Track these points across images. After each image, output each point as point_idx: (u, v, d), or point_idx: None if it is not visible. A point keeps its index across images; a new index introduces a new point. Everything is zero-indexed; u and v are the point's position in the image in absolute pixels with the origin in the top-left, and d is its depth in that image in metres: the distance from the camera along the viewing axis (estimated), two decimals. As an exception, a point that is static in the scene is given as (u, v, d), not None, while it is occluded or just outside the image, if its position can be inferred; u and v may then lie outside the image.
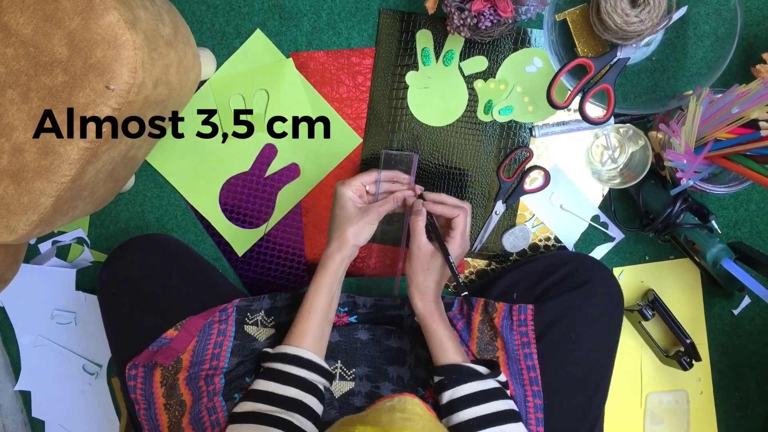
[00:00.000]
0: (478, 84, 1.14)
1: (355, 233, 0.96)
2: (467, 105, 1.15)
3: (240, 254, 1.22)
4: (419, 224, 0.96)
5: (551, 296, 0.99)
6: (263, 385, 0.89)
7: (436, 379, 0.91)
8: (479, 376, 0.89)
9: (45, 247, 1.25)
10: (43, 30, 0.81)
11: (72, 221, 0.98)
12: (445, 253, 0.95)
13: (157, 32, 0.89)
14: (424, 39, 1.14)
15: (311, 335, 0.93)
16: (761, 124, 0.90)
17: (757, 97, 0.90)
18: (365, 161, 1.18)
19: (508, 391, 0.91)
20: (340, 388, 0.99)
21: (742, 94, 0.91)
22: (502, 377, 0.91)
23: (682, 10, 1.03)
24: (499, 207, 1.15)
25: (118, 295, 1.01)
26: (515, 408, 0.89)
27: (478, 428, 0.85)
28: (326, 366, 0.93)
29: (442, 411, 0.89)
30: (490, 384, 0.89)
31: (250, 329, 1.02)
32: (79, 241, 1.24)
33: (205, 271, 1.11)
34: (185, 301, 1.02)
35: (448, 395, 0.88)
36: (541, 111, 1.14)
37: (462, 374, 0.89)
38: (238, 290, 1.15)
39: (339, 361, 1.01)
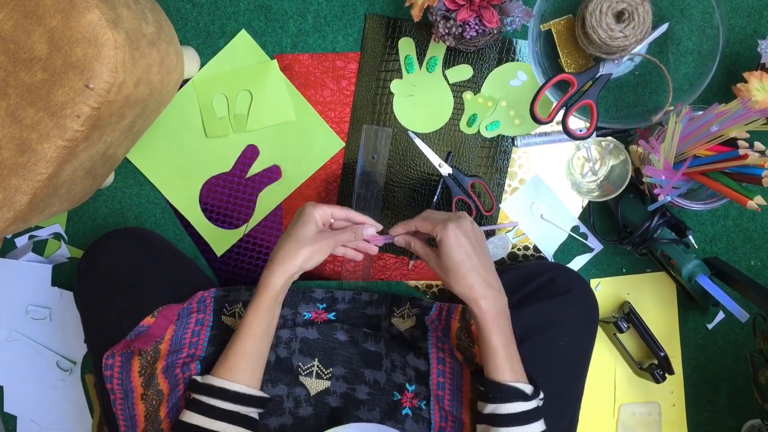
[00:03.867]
0: (467, 95, 1.14)
1: (307, 256, 0.88)
2: (453, 112, 1.15)
3: (219, 254, 1.21)
4: (417, 248, 0.93)
5: (528, 304, 1.00)
6: (190, 417, 0.86)
7: (481, 387, 0.88)
8: (524, 397, 0.86)
9: (21, 241, 1.24)
10: (23, 26, 0.80)
11: (48, 218, 0.97)
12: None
13: (139, 31, 0.88)
14: (406, 47, 1.14)
15: (245, 361, 0.89)
16: (739, 143, 0.91)
17: (736, 117, 0.91)
18: (347, 164, 1.18)
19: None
20: (315, 386, 0.99)
21: (722, 113, 0.92)
22: (542, 395, 0.90)
23: (663, 27, 1.04)
24: None
25: (97, 285, 1.00)
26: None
27: None
28: (258, 394, 0.89)
29: (481, 418, 0.87)
30: (532, 405, 0.86)
31: (227, 320, 1.01)
32: (56, 236, 1.23)
33: (184, 264, 1.11)
34: (163, 292, 1.02)
35: (491, 408, 0.86)
36: (528, 123, 1.14)
37: (508, 393, 0.85)
38: (215, 283, 1.15)
39: (316, 359, 1.00)
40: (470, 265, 0.87)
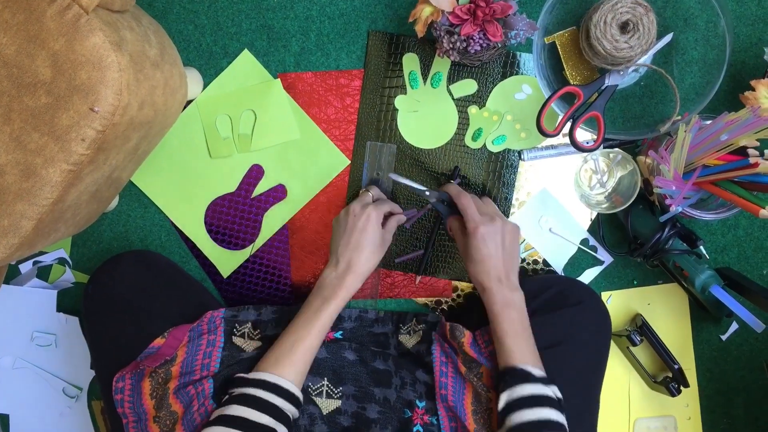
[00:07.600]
0: (472, 110, 1.14)
1: (376, 262, 1.01)
2: (458, 127, 1.15)
3: (225, 276, 1.20)
4: (453, 227, 1.05)
5: (538, 318, 0.99)
6: (236, 410, 0.86)
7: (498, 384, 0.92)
8: (532, 379, 0.88)
9: (25, 267, 1.23)
10: (26, 51, 0.79)
11: (54, 243, 0.96)
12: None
13: (143, 53, 0.88)
14: (410, 63, 1.14)
15: (299, 359, 0.92)
16: (750, 151, 0.91)
17: (745, 125, 0.90)
18: (353, 182, 1.17)
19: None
20: (327, 405, 0.99)
21: (731, 122, 0.91)
22: (558, 392, 0.90)
23: (668, 37, 1.03)
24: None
25: (104, 309, 1.00)
26: (564, 423, 0.88)
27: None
28: (301, 397, 0.92)
29: (501, 415, 0.88)
30: (545, 391, 0.88)
31: (237, 340, 1.01)
32: (61, 261, 1.22)
33: (191, 285, 1.11)
34: (171, 313, 1.01)
35: (504, 398, 0.89)
36: (534, 136, 1.14)
37: (515, 376, 0.89)
38: (222, 304, 1.15)
39: (325, 379, 1.00)
40: (490, 264, 0.97)
